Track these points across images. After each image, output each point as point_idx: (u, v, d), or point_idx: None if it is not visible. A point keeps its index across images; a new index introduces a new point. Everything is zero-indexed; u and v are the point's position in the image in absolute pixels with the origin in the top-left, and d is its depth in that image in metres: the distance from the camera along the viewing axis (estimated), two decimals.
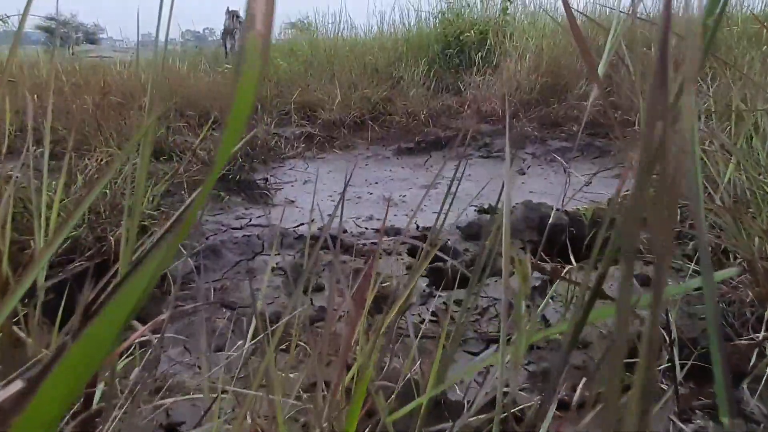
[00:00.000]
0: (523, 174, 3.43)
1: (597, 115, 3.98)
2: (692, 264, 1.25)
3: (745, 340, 1.03)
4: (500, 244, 1.56)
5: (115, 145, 2.91)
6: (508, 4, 5.01)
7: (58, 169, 2.80)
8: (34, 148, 3.07)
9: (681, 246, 1.58)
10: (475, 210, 2.64)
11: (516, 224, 1.99)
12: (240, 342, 1.23)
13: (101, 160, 2.52)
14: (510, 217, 1.81)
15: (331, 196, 3.06)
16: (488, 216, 2.25)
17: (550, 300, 1.41)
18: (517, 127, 4.02)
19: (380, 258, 1.92)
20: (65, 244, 1.50)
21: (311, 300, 1.60)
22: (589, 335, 1.20)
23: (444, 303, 1.43)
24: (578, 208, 2.22)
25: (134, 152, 2.58)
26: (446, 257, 1.16)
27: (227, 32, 6.23)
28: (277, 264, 1.77)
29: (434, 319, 1.34)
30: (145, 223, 1.62)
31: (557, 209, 2.05)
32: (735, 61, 2.19)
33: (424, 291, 1.59)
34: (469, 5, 5.32)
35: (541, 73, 4.14)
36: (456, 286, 1.74)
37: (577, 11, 4.21)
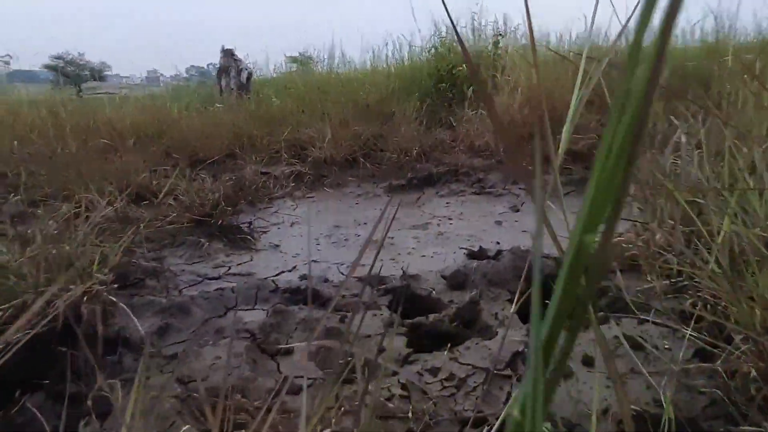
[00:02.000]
0: (517, 211, 3.32)
1: (592, 147, 3.90)
2: (689, 329, 1.13)
3: (751, 427, 0.90)
4: (486, 296, 1.42)
5: (95, 190, 2.83)
6: (499, 38, 4.99)
7: (33, 216, 2.71)
8: (12, 195, 3.00)
9: (676, 300, 1.46)
10: (465, 253, 2.52)
11: (503, 273, 1.87)
12: (186, 428, 1.11)
13: (76, 206, 2.43)
14: (497, 266, 1.69)
15: (317, 239, 2.96)
16: (475, 262, 2.13)
17: None
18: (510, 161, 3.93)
19: (356, 314, 1.80)
20: (9, 311, 1.40)
21: (278, 366, 1.48)
22: (573, 414, 1.07)
23: (418, 372, 1.30)
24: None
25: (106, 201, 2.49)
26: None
27: (222, 70, 6.25)
28: (244, 324, 1.65)
29: (404, 394, 1.21)
30: (97, 287, 1.51)
31: (545, 256, 1.94)
32: (728, 97, 2.11)
33: (399, 354, 1.47)
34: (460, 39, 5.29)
35: (533, 107, 4.08)
36: (441, 342, 1.61)
37: (550, 49, 4.19)
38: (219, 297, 1.96)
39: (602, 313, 1.44)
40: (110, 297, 1.47)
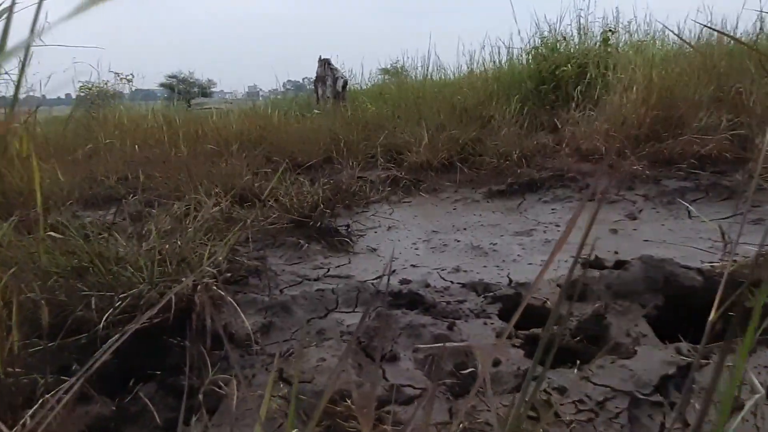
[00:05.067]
0: (635, 219, 3.01)
1: (723, 150, 3.46)
2: None
3: None
4: (612, 309, 1.21)
5: (203, 191, 2.94)
6: (609, 34, 4.64)
7: (148, 215, 2.86)
8: (132, 195, 3.21)
9: None
10: (579, 262, 2.30)
11: (633, 284, 1.64)
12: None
13: (186, 206, 2.52)
14: (624, 276, 1.48)
15: (415, 244, 2.86)
16: (596, 272, 1.91)
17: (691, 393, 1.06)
18: (624, 165, 3.60)
19: (465, 321, 1.67)
20: (127, 300, 1.42)
21: (383, 372, 1.38)
22: None
23: (545, 391, 1.13)
24: (713, 265, 1.82)
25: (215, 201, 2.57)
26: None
27: (319, 79, 6.41)
28: (347, 327, 1.58)
29: (533, 415, 1.05)
30: (206, 280, 1.51)
31: (685, 267, 1.68)
32: None
33: (518, 369, 1.31)
34: (565, 38, 5.01)
35: (651, 106, 3.71)
36: (554, 358, 1.43)
37: (681, 38, 3.76)
38: (320, 298, 1.92)
39: None
40: (219, 291, 1.46)
